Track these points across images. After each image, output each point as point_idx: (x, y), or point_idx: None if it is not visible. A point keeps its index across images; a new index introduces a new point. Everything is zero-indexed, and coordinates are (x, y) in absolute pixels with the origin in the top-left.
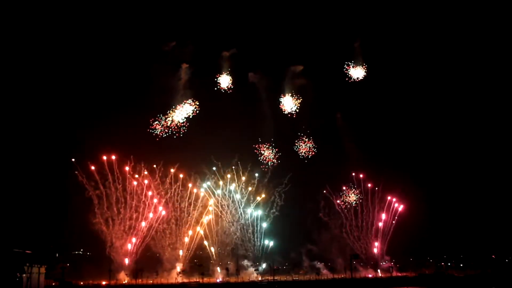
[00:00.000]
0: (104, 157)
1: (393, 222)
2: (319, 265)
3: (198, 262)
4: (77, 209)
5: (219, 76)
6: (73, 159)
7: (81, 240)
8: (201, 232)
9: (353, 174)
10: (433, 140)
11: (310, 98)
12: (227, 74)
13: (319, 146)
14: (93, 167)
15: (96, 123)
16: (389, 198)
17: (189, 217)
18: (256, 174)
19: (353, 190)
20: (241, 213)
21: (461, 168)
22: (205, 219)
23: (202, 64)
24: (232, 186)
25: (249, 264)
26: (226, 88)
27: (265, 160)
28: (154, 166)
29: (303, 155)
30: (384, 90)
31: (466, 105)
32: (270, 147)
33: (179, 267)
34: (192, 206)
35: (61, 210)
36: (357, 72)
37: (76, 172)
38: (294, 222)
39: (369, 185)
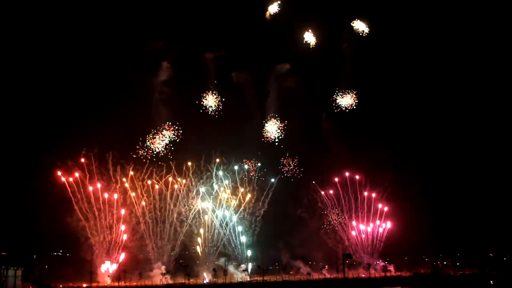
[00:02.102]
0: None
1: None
2: (299, 264)
3: (184, 262)
4: (56, 210)
5: (204, 95)
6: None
7: (61, 242)
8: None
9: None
10: (428, 137)
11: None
12: (213, 94)
13: (305, 154)
14: (72, 166)
15: (73, 122)
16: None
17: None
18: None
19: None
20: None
21: (457, 165)
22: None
23: (185, 65)
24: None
25: (236, 264)
26: (213, 112)
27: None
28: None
29: (287, 175)
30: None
31: (463, 102)
32: (255, 163)
33: (163, 269)
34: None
35: (39, 211)
36: (345, 100)
37: (58, 171)
38: (278, 224)
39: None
